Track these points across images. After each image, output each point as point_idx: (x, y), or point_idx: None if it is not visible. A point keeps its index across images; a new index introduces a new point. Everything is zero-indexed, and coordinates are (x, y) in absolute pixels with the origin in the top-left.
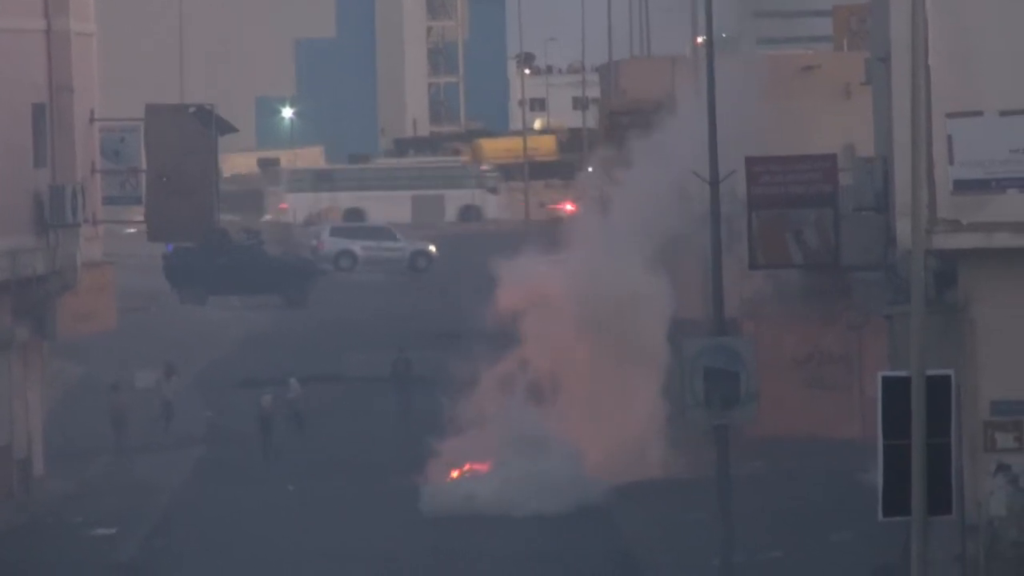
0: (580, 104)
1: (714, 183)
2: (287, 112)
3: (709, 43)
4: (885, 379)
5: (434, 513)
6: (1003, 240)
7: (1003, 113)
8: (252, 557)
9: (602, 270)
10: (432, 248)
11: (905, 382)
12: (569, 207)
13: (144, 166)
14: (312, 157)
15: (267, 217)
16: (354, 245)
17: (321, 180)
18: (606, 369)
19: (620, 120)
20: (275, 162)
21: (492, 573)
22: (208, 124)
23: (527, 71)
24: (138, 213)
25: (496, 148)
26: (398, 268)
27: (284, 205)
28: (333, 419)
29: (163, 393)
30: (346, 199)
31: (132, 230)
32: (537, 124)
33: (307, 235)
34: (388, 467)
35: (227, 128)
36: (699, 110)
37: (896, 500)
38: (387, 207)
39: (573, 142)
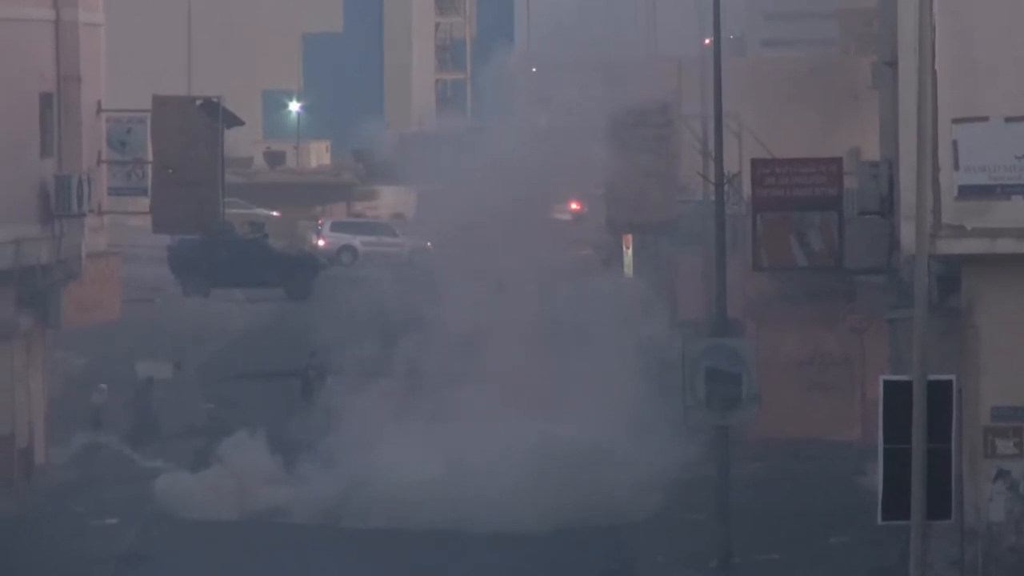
0: None
1: (719, 184)
2: (294, 106)
3: (716, 44)
4: (887, 383)
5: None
6: (1007, 246)
7: (1009, 119)
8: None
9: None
10: (430, 245)
11: (907, 386)
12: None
13: (150, 157)
14: (318, 151)
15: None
16: (355, 240)
17: None
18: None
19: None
20: (281, 156)
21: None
22: (215, 116)
23: (534, 69)
24: (143, 204)
25: None
26: (397, 264)
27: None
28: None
29: (147, 400)
30: None
31: (137, 221)
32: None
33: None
34: None
35: (234, 121)
36: None
37: (896, 504)
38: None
39: None
